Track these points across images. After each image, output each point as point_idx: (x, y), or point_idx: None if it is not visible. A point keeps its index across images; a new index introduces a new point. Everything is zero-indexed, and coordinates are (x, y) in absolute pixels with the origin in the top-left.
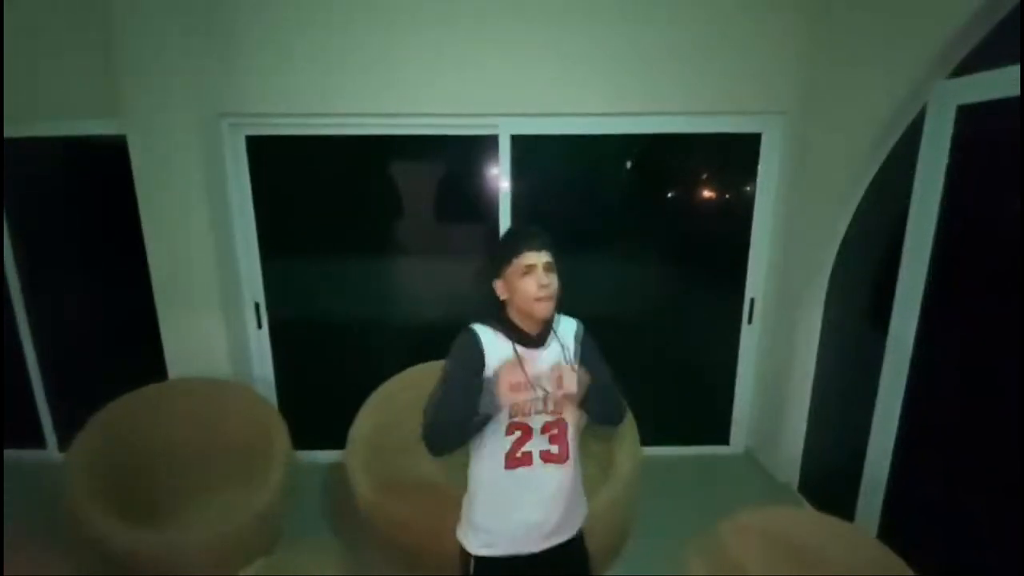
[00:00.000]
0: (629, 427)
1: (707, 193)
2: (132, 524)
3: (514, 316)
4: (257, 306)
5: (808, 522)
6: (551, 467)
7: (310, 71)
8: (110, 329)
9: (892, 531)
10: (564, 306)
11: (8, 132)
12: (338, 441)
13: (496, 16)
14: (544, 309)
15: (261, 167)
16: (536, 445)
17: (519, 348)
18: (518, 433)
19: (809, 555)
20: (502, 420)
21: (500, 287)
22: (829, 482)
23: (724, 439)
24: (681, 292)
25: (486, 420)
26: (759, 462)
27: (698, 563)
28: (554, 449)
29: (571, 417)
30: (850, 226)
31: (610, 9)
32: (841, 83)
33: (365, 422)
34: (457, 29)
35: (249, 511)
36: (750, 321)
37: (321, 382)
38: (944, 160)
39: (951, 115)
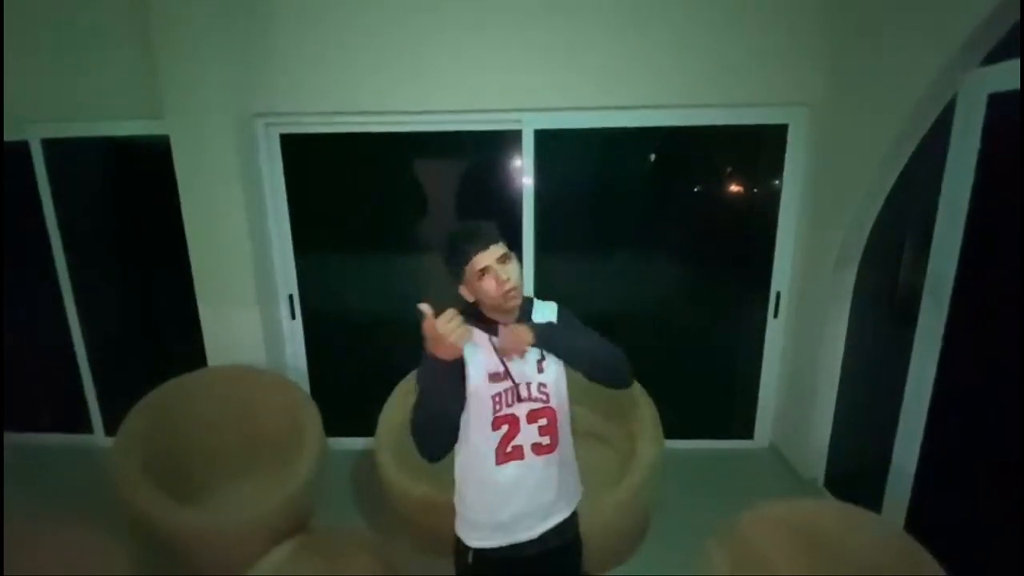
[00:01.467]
0: (651, 419)
1: (732, 186)
2: (173, 504)
3: (487, 311)
4: (291, 298)
5: (832, 513)
6: (543, 458)
7: (340, 71)
8: (154, 320)
9: (919, 528)
10: (584, 299)
11: (64, 133)
12: (368, 428)
13: (519, 11)
14: (513, 300)
15: (295, 165)
16: (526, 438)
17: (494, 339)
18: (505, 427)
19: (833, 546)
20: (486, 415)
21: (465, 292)
22: (855, 478)
23: (748, 433)
24: (706, 286)
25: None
26: (784, 457)
27: (720, 554)
28: (544, 440)
29: (558, 403)
30: (878, 218)
31: (633, 2)
32: (869, 73)
33: (394, 409)
34: (481, 26)
35: (282, 493)
36: (776, 315)
37: (352, 371)
38: (975, 150)
39: (982, 103)
